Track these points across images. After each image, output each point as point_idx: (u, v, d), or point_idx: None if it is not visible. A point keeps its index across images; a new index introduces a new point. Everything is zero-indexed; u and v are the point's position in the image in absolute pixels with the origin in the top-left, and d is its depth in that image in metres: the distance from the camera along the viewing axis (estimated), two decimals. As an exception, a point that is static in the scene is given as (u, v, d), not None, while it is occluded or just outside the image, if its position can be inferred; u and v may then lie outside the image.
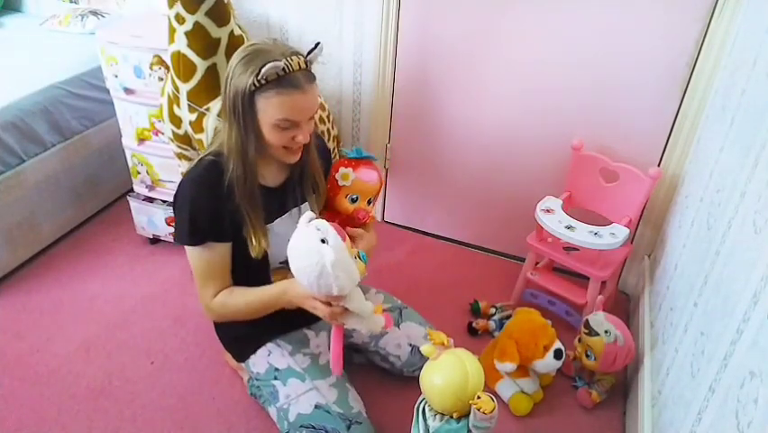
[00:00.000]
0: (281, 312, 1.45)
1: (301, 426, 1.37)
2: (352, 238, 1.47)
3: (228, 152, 1.30)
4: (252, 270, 1.43)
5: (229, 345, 1.60)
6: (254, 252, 1.36)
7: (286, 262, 1.40)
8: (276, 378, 1.46)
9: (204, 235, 1.34)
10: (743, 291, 1.02)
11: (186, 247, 1.36)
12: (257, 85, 1.20)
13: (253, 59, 1.21)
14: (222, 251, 1.37)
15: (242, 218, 1.34)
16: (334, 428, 1.36)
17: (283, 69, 1.20)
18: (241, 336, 1.54)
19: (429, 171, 2.34)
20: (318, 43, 1.30)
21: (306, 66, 1.26)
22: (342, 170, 1.46)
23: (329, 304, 1.26)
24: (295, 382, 1.44)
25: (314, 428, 1.36)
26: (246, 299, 1.39)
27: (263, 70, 1.18)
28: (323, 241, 1.18)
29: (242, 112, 1.24)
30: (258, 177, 1.34)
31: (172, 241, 2.23)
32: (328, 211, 1.50)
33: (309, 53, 1.29)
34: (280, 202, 1.43)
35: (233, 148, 1.29)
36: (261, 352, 1.51)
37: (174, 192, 1.37)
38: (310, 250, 1.17)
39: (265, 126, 1.26)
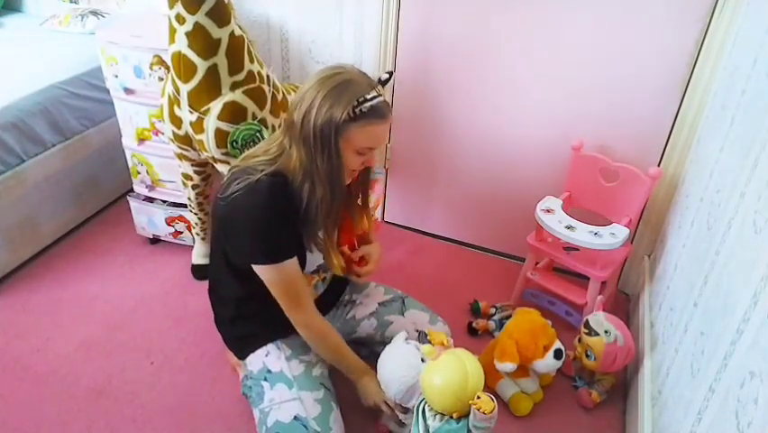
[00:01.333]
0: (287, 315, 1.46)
1: (277, 432, 1.37)
2: (368, 258, 1.60)
3: (304, 177, 1.30)
4: None
5: (231, 343, 1.60)
6: (334, 269, 1.46)
7: (315, 271, 1.52)
8: (266, 379, 1.46)
9: (280, 255, 1.34)
10: (743, 291, 1.02)
11: (258, 268, 1.35)
12: (351, 116, 1.24)
13: (345, 90, 1.24)
14: (296, 265, 1.38)
15: (306, 235, 1.39)
16: None
17: (379, 102, 1.27)
18: (244, 335, 1.54)
19: (429, 171, 2.34)
20: (392, 72, 1.37)
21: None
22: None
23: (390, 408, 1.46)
24: (282, 388, 1.43)
25: None
26: (338, 348, 1.50)
27: (365, 106, 1.24)
28: (422, 360, 1.36)
29: (333, 141, 1.26)
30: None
31: (173, 241, 2.23)
32: (344, 232, 1.51)
33: (385, 82, 1.34)
34: None
35: (318, 175, 1.29)
36: (260, 351, 1.51)
37: (227, 213, 1.33)
38: (410, 365, 1.37)
39: (347, 153, 1.29)
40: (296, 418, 1.37)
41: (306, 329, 1.45)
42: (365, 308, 1.68)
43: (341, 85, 1.25)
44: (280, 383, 1.44)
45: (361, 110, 1.24)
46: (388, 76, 1.34)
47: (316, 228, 1.39)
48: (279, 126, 1.77)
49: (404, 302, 1.70)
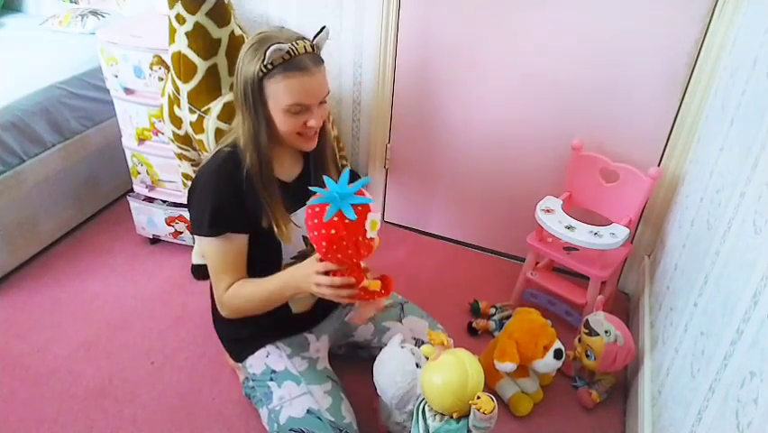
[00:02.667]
0: (284, 316, 1.45)
1: (291, 429, 1.35)
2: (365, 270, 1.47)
3: (244, 144, 1.29)
4: (265, 265, 1.42)
5: (228, 345, 1.60)
6: (282, 237, 1.35)
7: (297, 257, 1.45)
8: (272, 379, 1.45)
9: (223, 226, 1.31)
10: (743, 291, 1.03)
11: (202, 240, 1.34)
12: (264, 70, 1.20)
13: (261, 46, 1.21)
14: (239, 243, 1.35)
15: (260, 210, 1.33)
16: None
17: (288, 51, 1.20)
18: (241, 338, 1.54)
19: (429, 171, 2.34)
20: (324, 27, 1.29)
21: (314, 50, 1.26)
22: (371, 217, 1.20)
23: (334, 285, 1.22)
24: (290, 385, 1.43)
25: (303, 432, 1.34)
26: (255, 288, 1.37)
27: (268, 53, 1.18)
28: (417, 365, 1.36)
29: (252, 100, 1.23)
30: (273, 166, 1.33)
31: (173, 241, 2.23)
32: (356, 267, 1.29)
33: (315, 37, 1.28)
34: (294, 196, 1.39)
35: (247, 138, 1.28)
36: (260, 353, 1.50)
37: (190, 186, 1.36)
38: (405, 371, 1.37)
39: (277, 113, 1.25)
40: (308, 411, 1.37)
41: (222, 308, 1.40)
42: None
43: (259, 41, 1.23)
44: (288, 381, 1.43)
45: (272, 62, 1.19)
46: (320, 30, 1.29)
47: (261, 197, 1.32)
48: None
49: (403, 308, 1.68)
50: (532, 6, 1.89)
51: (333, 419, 1.37)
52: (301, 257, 1.45)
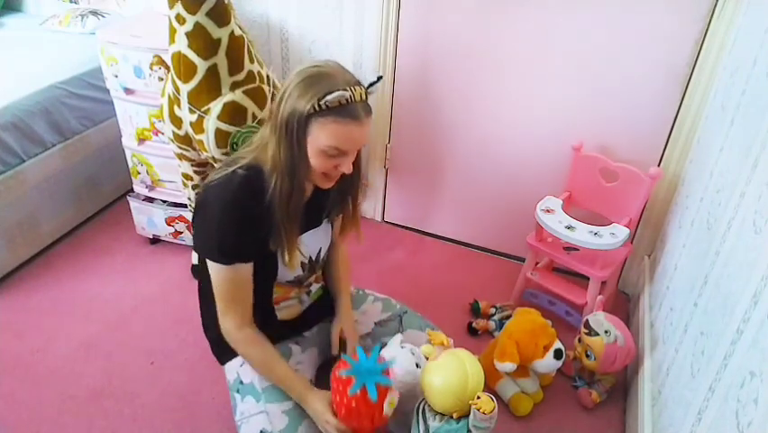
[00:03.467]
0: (270, 322, 1.43)
1: None
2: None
3: (273, 169, 1.27)
4: (258, 282, 1.40)
5: (212, 346, 1.56)
6: (289, 266, 1.35)
7: (293, 282, 1.46)
8: (238, 391, 1.44)
9: (234, 257, 1.30)
10: (743, 291, 1.03)
11: (209, 262, 1.32)
12: (317, 109, 1.17)
13: (316, 83, 1.18)
14: (247, 271, 1.33)
15: (270, 236, 1.32)
16: None
17: (347, 98, 1.18)
18: (224, 339, 1.52)
19: (429, 171, 2.34)
20: (381, 77, 1.28)
21: (366, 97, 1.24)
22: (390, 397, 1.25)
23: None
24: (250, 401, 1.40)
25: None
26: (270, 369, 1.38)
27: (329, 98, 1.15)
28: (417, 365, 1.34)
29: (297, 133, 1.21)
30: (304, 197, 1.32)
31: (173, 241, 2.23)
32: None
33: (371, 85, 1.26)
34: (302, 218, 1.38)
35: (281, 166, 1.25)
36: (236, 360, 1.47)
37: (198, 205, 1.32)
38: (406, 372, 1.34)
39: (312, 150, 1.23)
40: (261, 432, 1.34)
41: (234, 337, 1.36)
42: (361, 328, 1.63)
43: (314, 76, 1.20)
44: (249, 396, 1.41)
45: (326, 103, 1.17)
46: (375, 79, 1.27)
47: (278, 226, 1.31)
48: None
49: (401, 321, 1.65)
50: (532, 7, 1.89)
51: None
52: (297, 282, 1.47)
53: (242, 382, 1.44)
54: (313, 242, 1.46)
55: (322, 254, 1.52)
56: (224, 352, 1.51)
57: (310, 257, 1.47)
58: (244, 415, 1.40)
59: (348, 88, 1.18)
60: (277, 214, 1.28)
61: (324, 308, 1.61)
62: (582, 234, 1.77)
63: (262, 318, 1.40)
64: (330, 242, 1.55)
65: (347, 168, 1.27)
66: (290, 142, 1.22)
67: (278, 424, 1.35)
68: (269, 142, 1.26)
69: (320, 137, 1.20)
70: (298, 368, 1.49)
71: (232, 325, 1.35)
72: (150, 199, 2.17)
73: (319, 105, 1.16)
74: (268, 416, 1.36)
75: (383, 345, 1.28)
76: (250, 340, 1.37)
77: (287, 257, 1.33)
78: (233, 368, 1.47)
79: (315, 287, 1.59)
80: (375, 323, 1.64)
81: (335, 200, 1.44)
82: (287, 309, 1.51)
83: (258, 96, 1.68)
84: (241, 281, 1.33)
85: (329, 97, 1.15)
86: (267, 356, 1.38)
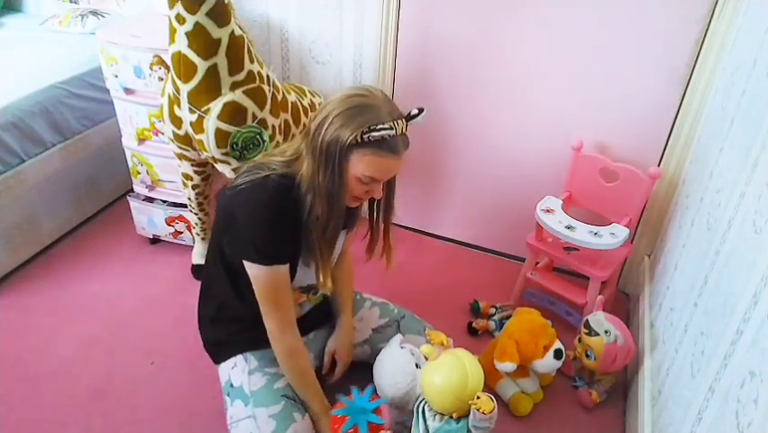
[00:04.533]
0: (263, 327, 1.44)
1: None
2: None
3: (309, 188, 1.28)
4: None
5: (207, 346, 1.57)
6: (322, 288, 1.38)
7: (305, 289, 1.49)
8: (228, 394, 1.45)
9: (272, 257, 1.31)
10: (743, 291, 1.02)
11: (247, 264, 1.32)
12: (359, 141, 1.19)
13: (360, 114, 1.19)
14: (285, 272, 1.35)
15: (301, 249, 1.36)
16: None
17: (390, 135, 1.19)
18: (220, 340, 1.52)
19: (429, 171, 2.34)
20: (422, 110, 1.29)
21: (406, 130, 1.26)
22: None
23: None
24: (239, 405, 1.41)
25: None
26: (303, 381, 1.42)
27: (374, 134, 1.17)
28: (417, 366, 1.38)
29: (338, 162, 1.22)
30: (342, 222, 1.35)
31: (173, 241, 2.23)
32: None
33: (412, 118, 1.28)
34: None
35: (320, 190, 1.26)
36: (229, 362, 1.48)
37: (229, 203, 1.32)
38: (405, 372, 1.39)
39: (349, 176, 1.24)
40: None
41: (276, 341, 1.39)
42: (359, 335, 1.65)
43: (359, 107, 1.21)
44: (238, 400, 1.42)
45: (369, 137, 1.18)
46: (417, 111, 1.28)
47: (312, 243, 1.34)
48: (279, 127, 1.78)
49: (399, 327, 1.67)
50: (532, 7, 1.89)
51: None
52: (307, 289, 1.51)
53: (232, 385, 1.45)
54: None
55: (334, 262, 1.53)
56: (218, 352, 1.53)
57: None
58: (233, 419, 1.41)
59: (392, 124, 1.19)
60: (314, 234, 1.31)
61: (321, 315, 1.63)
62: (582, 235, 1.77)
63: (259, 319, 1.40)
64: (342, 251, 1.57)
65: (378, 193, 1.31)
66: (332, 170, 1.23)
67: (265, 429, 1.36)
68: (305, 160, 1.27)
69: (358, 167, 1.22)
70: (283, 373, 1.49)
71: (275, 327, 1.37)
72: (150, 199, 2.17)
73: (362, 138, 1.18)
74: (255, 421, 1.37)
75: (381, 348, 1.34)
76: (288, 349, 1.40)
77: (321, 277, 1.36)
78: (225, 370, 1.49)
79: (317, 295, 1.61)
80: (372, 329, 1.66)
81: (356, 215, 1.48)
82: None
83: (258, 97, 1.68)
84: (281, 282, 1.34)
85: (375, 134, 1.17)
86: (302, 369, 1.42)
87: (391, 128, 1.19)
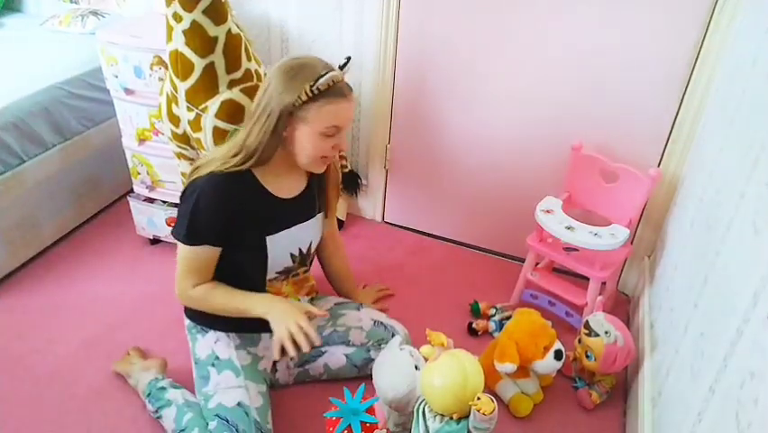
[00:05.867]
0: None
1: (217, 415, 1.40)
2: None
3: (246, 155, 1.36)
4: (248, 277, 1.49)
5: (190, 315, 1.61)
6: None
7: (282, 273, 1.53)
8: (213, 365, 1.49)
9: (202, 240, 1.40)
10: (743, 291, 1.02)
11: (179, 243, 1.43)
12: (309, 95, 1.28)
13: (299, 72, 1.30)
14: (213, 253, 1.43)
15: (247, 224, 1.41)
16: (245, 431, 1.37)
17: (334, 79, 1.30)
18: (202, 315, 1.54)
19: (429, 171, 2.34)
20: (350, 57, 1.41)
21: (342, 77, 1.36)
22: None
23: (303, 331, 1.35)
24: (229, 375, 1.47)
25: (227, 422, 1.38)
26: (226, 301, 1.45)
27: (321, 81, 1.28)
28: (416, 367, 1.39)
29: (282, 121, 1.31)
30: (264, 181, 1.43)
31: (173, 241, 2.22)
32: None
33: (343, 66, 1.39)
34: (290, 214, 1.49)
35: (251, 148, 1.35)
36: (210, 336, 1.53)
37: (190, 184, 1.39)
38: (405, 374, 1.38)
39: (310, 136, 1.34)
40: (239, 404, 1.41)
41: (182, 299, 1.48)
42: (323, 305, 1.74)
43: (296, 67, 1.31)
44: (228, 370, 1.47)
45: (318, 88, 1.27)
46: (345, 60, 1.39)
47: (276, 215, 1.45)
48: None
49: (360, 307, 1.76)
50: (532, 7, 1.89)
51: (258, 420, 1.41)
52: (285, 273, 1.56)
53: (218, 358, 1.50)
54: (304, 234, 1.54)
55: (312, 247, 1.60)
56: (200, 321, 1.56)
57: (300, 249, 1.55)
58: (221, 386, 1.45)
59: (329, 71, 1.30)
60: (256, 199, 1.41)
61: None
62: (582, 235, 1.77)
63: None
64: (320, 235, 1.63)
65: (344, 144, 1.42)
66: (267, 129, 1.32)
67: (255, 402, 1.43)
68: (252, 142, 1.35)
69: (318, 120, 1.32)
70: (263, 355, 1.57)
71: (187, 288, 1.44)
72: (150, 200, 2.17)
73: (312, 91, 1.28)
74: (247, 391, 1.44)
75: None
76: (205, 291, 1.45)
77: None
78: (207, 345, 1.53)
79: (304, 299, 1.67)
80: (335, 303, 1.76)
81: (311, 196, 1.54)
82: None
83: (255, 95, 1.68)
84: (204, 260, 1.43)
85: (322, 80, 1.28)
86: (225, 292, 1.46)
87: (334, 72, 1.31)
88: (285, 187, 1.47)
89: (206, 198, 1.35)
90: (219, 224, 1.38)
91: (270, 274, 1.52)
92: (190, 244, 1.40)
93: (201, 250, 1.40)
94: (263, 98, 1.33)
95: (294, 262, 1.55)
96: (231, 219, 1.38)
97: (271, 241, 1.46)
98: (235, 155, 1.36)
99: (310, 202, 1.54)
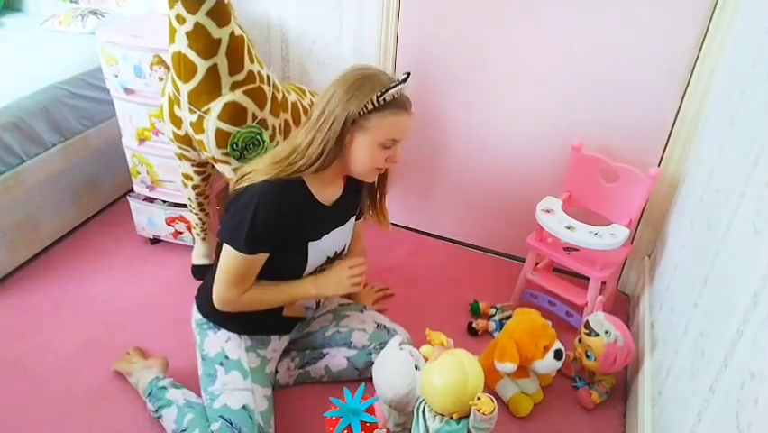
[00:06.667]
0: (275, 316, 1.51)
1: (221, 416, 1.40)
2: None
3: (308, 162, 1.36)
4: (283, 278, 1.50)
5: (203, 311, 1.58)
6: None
7: (312, 273, 1.54)
8: (221, 364, 1.49)
9: (261, 248, 1.38)
10: (743, 291, 1.02)
11: (227, 248, 1.37)
12: (375, 105, 1.29)
13: (366, 83, 1.31)
14: (263, 260, 1.41)
15: (296, 230, 1.42)
16: None
17: (399, 93, 1.32)
18: (216, 313, 1.52)
19: (429, 171, 2.34)
20: (409, 73, 1.38)
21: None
22: None
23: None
24: (236, 376, 1.47)
25: (231, 424, 1.38)
26: (276, 295, 1.48)
27: (390, 92, 1.29)
28: (416, 367, 1.39)
29: (346, 129, 1.32)
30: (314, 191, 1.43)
31: (173, 241, 2.23)
32: None
33: (405, 80, 1.36)
34: (330, 220, 1.51)
35: (315, 157, 1.35)
36: (222, 334, 1.53)
37: (242, 193, 1.37)
38: (404, 374, 1.38)
39: (369, 146, 1.35)
40: (244, 407, 1.41)
41: (226, 305, 1.45)
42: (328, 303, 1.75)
43: (363, 78, 1.32)
44: (236, 371, 1.47)
45: (384, 99, 1.29)
46: (405, 76, 1.38)
47: (320, 220, 1.46)
48: (279, 127, 1.78)
49: (363, 310, 1.76)
50: (532, 7, 1.89)
51: (262, 424, 1.41)
52: (313, 272, 1.55)
53: (227, 357, 1.50)
54: (340, 238, 1.56)
55: (345, 249, 1.62)
56: (213, 318, 1.54)
57: (335, 252, 1.57)
58: (227, 386, 1.45)
59: (398, 83, 1.31)
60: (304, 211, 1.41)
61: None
62: (582, 235, 1.77)
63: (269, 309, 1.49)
64: (351, 236, 1.64)
65: (398, 156, 1.41)
66: (333, 138, 1.32)
67: (260, 405, 1.44)
68: (307, 147, 1.35)
69: (380, 131, 1.33)
70: (271, 357, 1.58)
71: (233, 296, 1.42)
72: (150, 199, 2.17)
73: (379, 102, 1.29)
74: (253, 395, 1.44)
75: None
76: (255, 292, 1.45)
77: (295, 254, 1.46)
78: (217, 343, 1.52)
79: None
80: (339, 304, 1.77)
81: (366, 199, 1.58)
82: (294, 308, 1.60)
83: (258, 97, 1.68)
84: (254, 268, 1.42)
85: (389, 92, 1.29)
86: (274, 289, 1.47)
87: (398, 85, 1.31)
88: (328, 193, 1.47)
89: (267, 206, 1.33)
90: (278, 231, 1.37)
91: (307, 272, 1.52)
92: (249, 253, 1.36)
93: (255, 258, 1.38)
94: (327, 106, 1.32)
95: (327, 263, 1.56)
96: (287, 226, 1.38)
97: (313, 246, 1.46)
98: (293, 162, 1.35)
99: (347, 207, 1.55)
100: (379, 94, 1.29)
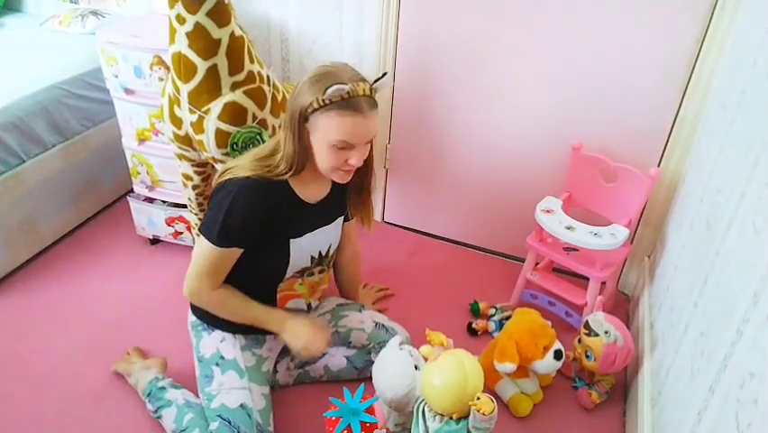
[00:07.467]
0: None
1: (219, 415, 1.40)
2: None
3: (280, 160, 1.36)
4: (266, 276, 1.50)
5: (196, 312, 1.59)
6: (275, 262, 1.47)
7: (298, 273, 1.53)
8: (218, 365, 1.49)
9: (233, 242, 1.38)
10: (743, 291, 1.02)
11: (202, 239, 1.39)
12: (320, 104, 1.25)
13: (321, 79, 1.27)
14: (236, 255, 1.41)
15: (276, 228, 1.41)
16: (247, 432, 1.39)
17: (348, 92, 1.25)
18: (209, 314, 1.53)
19: (429, 171, 2.34)
20: (386, 73, 1.36)
21: (371, 93, 1.31)
22: None
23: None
24: (233, 375, 1.47)
25: (229, 423, 1.39)
26: (243, 311, 1.47)
27: (329, 91, 1.23)
28: (416, 367, 1.38)
29: (298, 125, 1.30)
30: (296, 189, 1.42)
31: (173, 241, 2.23)
32: None
33: (376, 81, 1.34)
34: (314, 219, 1.49)
35: (289, 157, 1.35)
36: (216, 335, 1.53)
37: (221, 187, 1.38)
38: (404, 374, 1.37)
39: (321, 146, 1.32)
40: (242, 405, 1.42)
41: (194, 298, 1.46)
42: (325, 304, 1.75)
43: (320, 74, 1.29)
44: (232, 371, 1.48)
45: (330, 98, 1.24)
46: (381, 75, 1.35)
47: (302, 218, 1.45)
48: (279, 127, 1.79)
49: (361, 309, 1.76)
50: (532, 6, 1.89)
51: (260, 422, 1.42)
52: (300, 273, 1.55)
53: (222, 358, 1.50)
54: (325, 238, 1.55)
55: (332, 250, 1.60)
56: (207, 318, 1.55)
57: (320, 252, 1.55)
58: (224, 386, 1.45)
59: (349, 83, 1.26)
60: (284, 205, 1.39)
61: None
62: (582, 235, 1.77)
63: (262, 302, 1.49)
64: (339, 238, 1.62)
65: (357, 161, 1.34)
66: (293, 133, 1.32)
67: (258, 404, 1.44)
68: (284, 142, 1.35)
69: (327, 131, 1.28)
70: (267, 356, 1.58)
71: (202, 289, 1.42)
72: (150, 200, 2.17)
73: (322, 100, 1.25)
74: (250, 393, 1.44)
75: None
76: (224, 297, 1.45)
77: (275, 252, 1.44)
78: (212, 343, 1.53)
79: (314, 303, 1.67)
80: (337, 304, 1.76)
81: (354, 200, 1.56)
82: (294, 310, 1.60)
83: (258, 97, 1.68)
84: (226, 262, 1.41)
85: (329, 91, 1.24)
86: (242, 301, 1.46)
87: (346, 86, 1.24)
88: (312, 192, 1.46)
89: (243, 201, 1.34)
90: (253, 227, 1.36)
91: (289, 274, 1.51)
92: (220, 246, 1.36)
93: (227, 252, 1.38)
94: (292, 101, 1.31)
95: (312, 263, 1.55)
96: (264, 223, 1.37)
97: (295, 244, 1.46)
98: (272, 164, 1.36)
99: (333, 206, 1.53)
100: (323, 91, 1.25)
